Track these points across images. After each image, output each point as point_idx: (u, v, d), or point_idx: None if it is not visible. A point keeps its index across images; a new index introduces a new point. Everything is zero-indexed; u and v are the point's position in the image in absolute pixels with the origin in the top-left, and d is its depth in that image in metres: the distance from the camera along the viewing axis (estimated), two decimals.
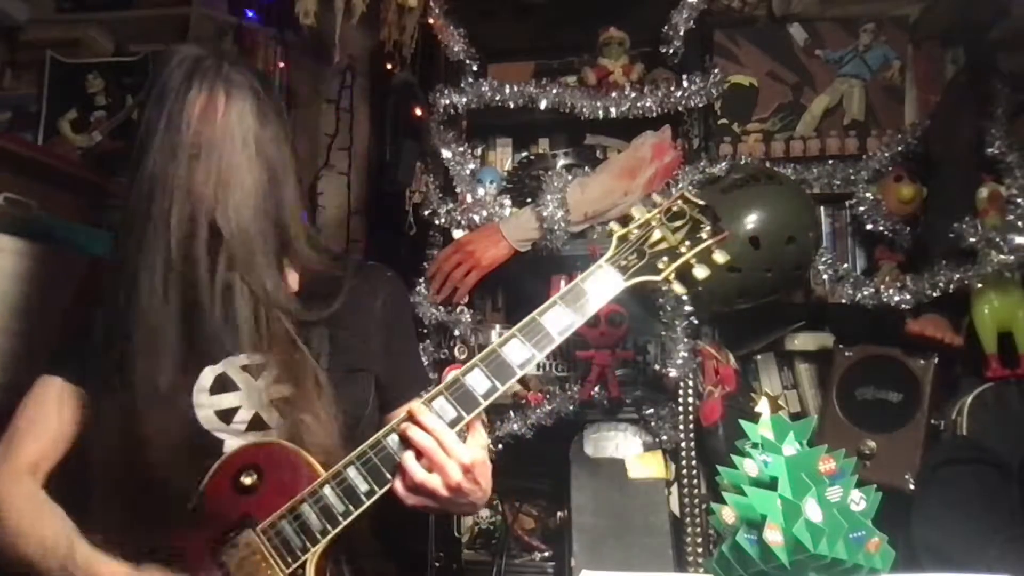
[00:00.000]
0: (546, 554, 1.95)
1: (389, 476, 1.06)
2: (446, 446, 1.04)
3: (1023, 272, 1.72)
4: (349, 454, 1.08)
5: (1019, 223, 1.68)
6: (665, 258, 1.16)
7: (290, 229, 1.18)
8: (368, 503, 1.05)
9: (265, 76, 1.23)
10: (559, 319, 1.12)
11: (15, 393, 1.19)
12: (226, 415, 1.14)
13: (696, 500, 1.76)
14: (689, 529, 1.75)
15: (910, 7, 2.08)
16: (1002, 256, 1.67)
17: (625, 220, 1.22)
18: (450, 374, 1.12)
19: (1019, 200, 1.71)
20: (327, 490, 1.05)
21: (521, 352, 1.10)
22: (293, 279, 1.26)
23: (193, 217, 1.09)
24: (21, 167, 1.79)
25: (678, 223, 1.18)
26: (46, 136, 2.28)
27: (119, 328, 1.10)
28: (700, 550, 1.73)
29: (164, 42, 2.33)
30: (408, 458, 1.04)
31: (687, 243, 1.16)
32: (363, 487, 1.05)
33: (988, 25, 1.90)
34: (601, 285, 1.15)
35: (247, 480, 1.07)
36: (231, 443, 1.13)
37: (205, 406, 1.13)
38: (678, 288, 1.17)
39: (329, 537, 1.04)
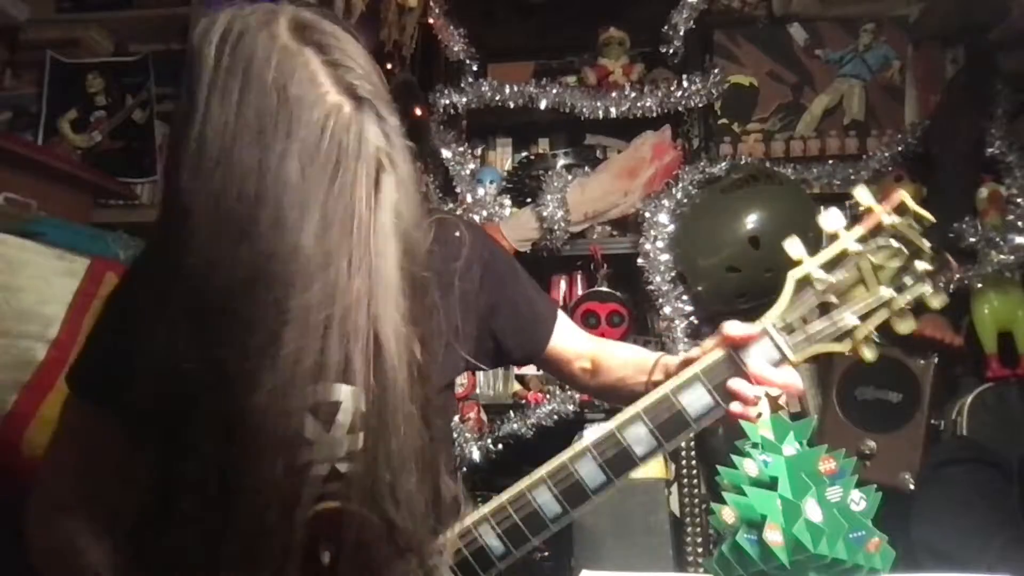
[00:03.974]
0: (546, 554, 1.95)
1: (481, 573, 0.85)
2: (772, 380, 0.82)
3: (1023, 272, 1.72)
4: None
5: (1019, 223, 1.68)
6: (861, 314, 0.79)
7: None
8: None
9: None
10: (698, 402, 0.84)
11: (17, 392, 1.19)
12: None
13: (696, 500, 1.76)
14: (689, 529, 1.75)
15: (910, 7, 2.08)
16: (1002, 256, 1.67)
17: (801, 245, 0.83)
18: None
19: (1019, 200, 1.71)
20: None
21: (644, 439, 0.84)
22: None
23: None
24: (21, 167, 1.79)
25: (883, 253, 0.78)
26: (46, 136, 2.28)
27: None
28: (700, 550, 1.73)
29: (164, 42, 2.33)
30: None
31: (895, 291, 0.78)
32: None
33: (988, 25, 1.90)
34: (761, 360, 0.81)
35: (326, 557, 0.82)
36: None
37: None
38: (869, 354, 0.80)
39: None
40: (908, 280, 0.78)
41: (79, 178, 2.00)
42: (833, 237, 0.80)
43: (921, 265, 0.78)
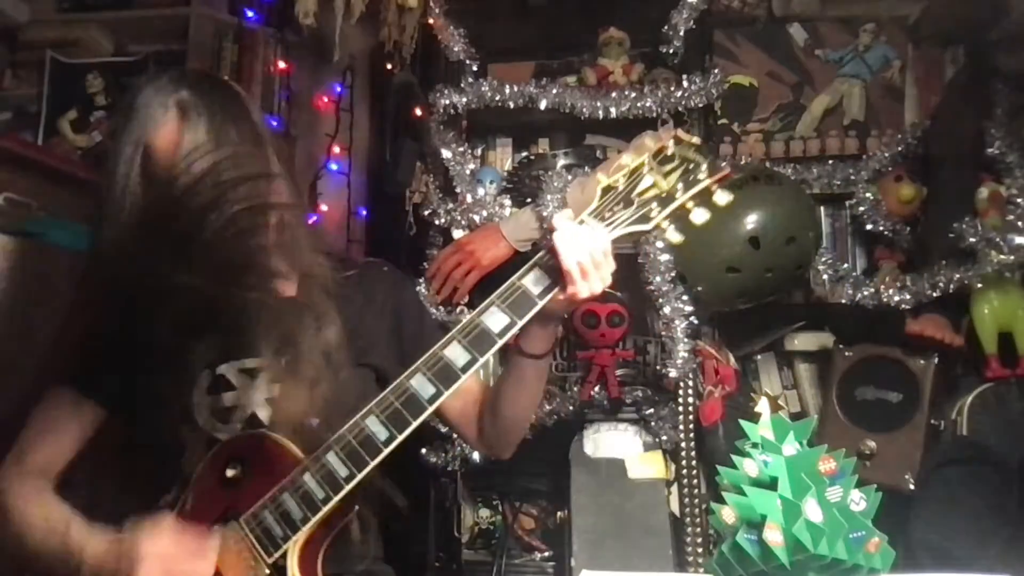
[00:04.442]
0: (546, 554, 1.95)
1: (368, 459, 1.02)
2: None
3: (1023, 272, 1.72)
4: None
5: (1019, 223, 1.68)
6: (656, 205, 1.06)
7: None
8: (347, 488, 1.02)
9: None
10: (538, 282, 1.05)
11: (16, 393, 1.19)
12: (223, 414, 1.14)
13: (696, 500, 1.76)
14: (689, 529, 1.75)
15: (910, 7, 2.08)
16: (1002, 256, 1.67)
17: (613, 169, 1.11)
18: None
19: (1019, 200, 1.71)
20: (307, 477, 1.03)
21: (500, 320, 1.04)
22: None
23: None
24: (21, 167, 1.79)
25: (669, 167, 1.08)
26: (46, 136, 2.28)
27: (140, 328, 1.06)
28: (700, 550, 1.73)
29: (164, 42, 2.33)
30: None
31: (680, 186, 1.06)
32: (342, 472, 1.01)
33: (988, 25, 1.91)
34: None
35: (231, 472, 1.07)
36: None
37: (203, 406, 1.14)
38: (674, 237, 1.08)
39: (310, 524, 1.02)
40: (692, 179, 1.06)
41: (79, 178, 2.00)
42: (632, 167, 1.08)
43: (701, 171, 1.07)
